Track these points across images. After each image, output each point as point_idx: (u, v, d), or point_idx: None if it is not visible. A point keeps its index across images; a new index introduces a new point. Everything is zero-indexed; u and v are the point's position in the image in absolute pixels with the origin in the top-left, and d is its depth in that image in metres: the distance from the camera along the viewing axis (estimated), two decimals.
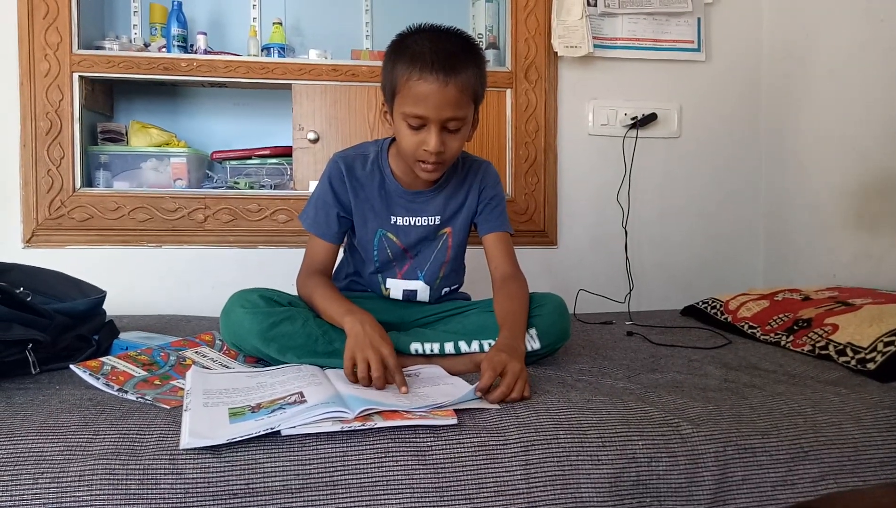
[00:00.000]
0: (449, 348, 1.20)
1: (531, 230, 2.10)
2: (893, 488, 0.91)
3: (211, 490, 0.80)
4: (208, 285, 1.97)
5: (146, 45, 2.05)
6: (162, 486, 0.80)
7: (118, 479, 0.79)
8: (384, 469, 0.85)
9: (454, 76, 1.13)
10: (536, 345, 1.20)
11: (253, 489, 0.81)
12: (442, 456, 0.87)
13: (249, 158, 2.09)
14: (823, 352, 1.30)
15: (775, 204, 2.18)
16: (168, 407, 0.95)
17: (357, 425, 0.86)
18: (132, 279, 1.93)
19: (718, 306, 1.73)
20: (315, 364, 1.13)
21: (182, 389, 1.03)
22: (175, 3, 2.00)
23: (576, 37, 2.05)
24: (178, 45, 1.99)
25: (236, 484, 0.81)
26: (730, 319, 1.64)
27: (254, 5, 2.19)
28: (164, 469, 0.81)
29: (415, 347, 1.20)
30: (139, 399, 0.99)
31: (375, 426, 0.87)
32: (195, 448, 0.82)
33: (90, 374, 1.05)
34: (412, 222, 1.32)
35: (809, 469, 0.93)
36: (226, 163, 2.10)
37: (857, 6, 1.80)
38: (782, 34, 2.14)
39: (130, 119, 2.07)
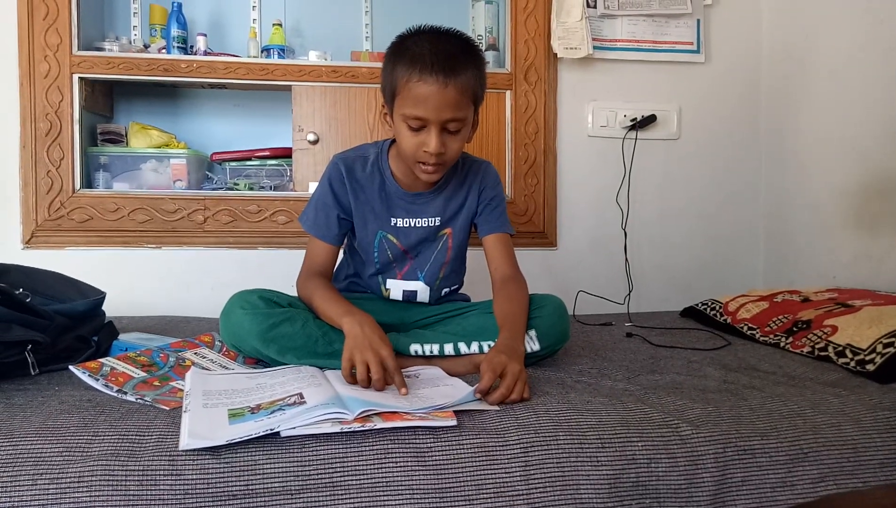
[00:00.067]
0: (448, 349, 1.20)
1: (531, 232, 2.10)
2: (893, 489, 0.91)
3: (210, 491, 0.80)
4: (208, 287, 1.97)
5: (146, 47, 2.05)
6: (161, 487, 0.80)
7: (117, 480, 0.79)
8: (384, 470, 0.85)
9: (454, 77, 1.14)
10: (536, 346, 1.20)
11: (252, 490, 0.81)
12: (441, 458, 0.87)
13: (249, 159, 2.10)
14: (823, 353, 1.30)
15: (775, 205, 2.18)
16: (167, 408, 0.95)
17: (357, 426, 0.86)
18: (132, 280, 1.93)
19: (718, 308, 1.73)
20: (315, 365, 1.13)
21: (181, 390, 1.03)
22: (175, 4, 2.00)
23: (575, 38, 2.05)
24: (178, 47, 2.00)
25: (236, 486, 0.81)
26: (729, 320, 1.64)
27: (253, 7, 2.19)
28: (164, 470, 0.80)
29: (414, 348, 1.20)
30: (138, 400, 0.99)
31: (375, 428, 0.87)
32: (194, 450, 0.82)
33: (89, 375, 1.04)
34: (412, 224, 1.32)
35: (809, 471, 0.93)
36: (225, 164, 2.10)
37: (857, 7, 1.80)
38: (782, 35, 2.14)
39: (130, 120, 2.07)
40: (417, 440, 0.88)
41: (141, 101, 2.17)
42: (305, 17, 2.24)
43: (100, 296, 1.29)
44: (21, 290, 1.17)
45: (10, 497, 0.77)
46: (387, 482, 0.84)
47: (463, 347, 1.20)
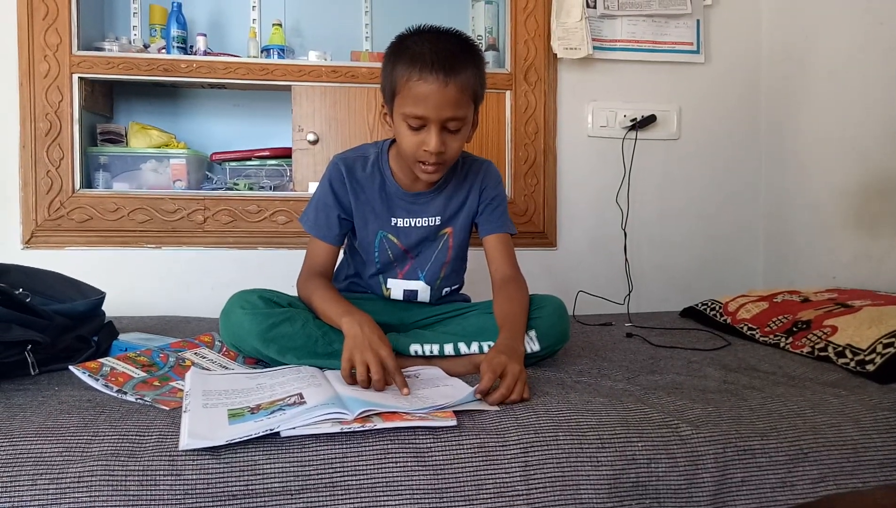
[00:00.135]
0: (448, 349, 1.20)
1: (531, 232, 2.10)
2: (893, 489, 0.91)
3: (210, 491, 0.80)
4: (208, 287, 1.97)
5: (146, 47, 2.05)
6: (161, 487, 0.79)
7: (117, 480, 0.79)
8: (384, 470, 0.85)
9: (454, 76, 1.14)
10: (536, 347, 1.20)
11: (252, 490, 0.81)
12: (441, 458, 0.87)
13: (249, 159, 2.10)
14: (823, 354, 1.30)
15: (775, 205, 2.18)
16: (167, 408, 0.95)
17: (356, 426, 0.86)
18: (131, 280, 1.93)
19: (718, 308, 1.73)
20: (315, 365, 1.13)
21: (181, 390, 1.02)
22: (175, 4, 2.00)
23: (575, 39, 2.05)
24: (178, 47, 2.00)
25: (236, 486, 0.81)
26: (729, 320, 1.65)
27: (253, 7, 2.19)
28: (164, 470, 0.80)
29: (414, 348, 1.20)
30: (138, 401, 0.99)
31: (375, 428, 0.87)
32: (194, 450, 0.82)
33: (89, 375, 1.04)
34: (413, 223, 1.32)
35: (809, 471, 0.93)
36: (225, 164, 2.10)
37: (857, 7, 1.80)
38: (781, 36, 2.14)
39: (130, 120, 2.07)
40: (417, 441, 0.88)
41: (141, 101, 2.17)
42: (305, 17, 2.24)
43: (100, 296, 1.29)
44: (21, 290, 1.17)
45: (10, 497, 0.77)
46: (387, 482, 0.84)
47: (463, 347, 1.20)
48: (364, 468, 0.84)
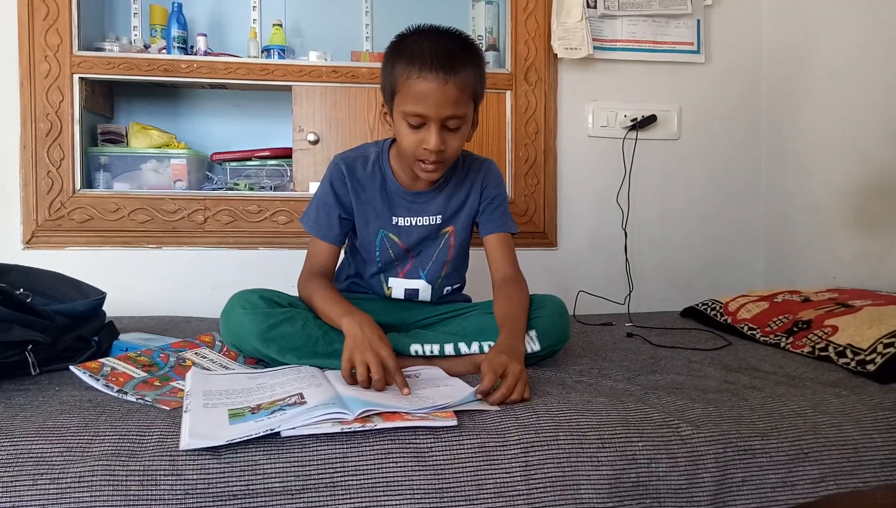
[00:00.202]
0: (449, 349, 1.20)
1: (531, 232, 2.10)
2: (893, 489, 0.91)
3: (211, 491, 0.80)
4: (208, 287, 1.97)
5: (146, 47, 2.05)
6: (162, 487, 0.80)
7: (118, 480, 0.79)
8: (384, 470, 0.85)
9: (454, 74, 1.14)
10: (536, 347, 1.20)
11: (253, 490, 0.81)
12: (442, 458, 0.87)
13: (249, 159, 2.10)
14: (823, 354, 1.30)
15: (775, 205, 2.18)
16: (168, 408, 0.95)
17: (357, 426, 0.86)
18: (132, 281, 1.93)
19: (718, 308, 1.73)
20: (315, 365, 1.13)
21: (182, 390, 1.03)
22: (175, 4, 2.00)
23: (575, 39, 2.05)
24: (179, 47, 2.00)
25: (236, 486, 0.81)
26: (729, 320, 1.64)
27: (254, 7, 2.19)
28: (164, 470, 0.81)
29: (414, 348, 1.20)
30: (139, 401, 0.99)
31: (375, 428, 0.87)
32: (195, 449, 0.82)
33: (90, 375, 1.05)
34: (413, 222, 1.32)
35: (809, 471, 0.93)
36: (226, 164, 2.10)
37: (857, 7, 1.80)
38: (782, 36, 2.14)
39: (130, 120, 2.07)
40: (417, 440, 0.88)
41: (141, 101, 2.18)
42: (305, 17, 2.24)
43: (100, 296, 1.30)
44: (21, 290, 1.17)
45: (10, 497, 0.77)
46: (387, 482, 0.84)
47: (463, 347, 1.20)
48: (364, 468, 0.85)
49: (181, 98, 2.20)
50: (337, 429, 0.86)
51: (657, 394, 1.06)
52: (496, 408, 0.97)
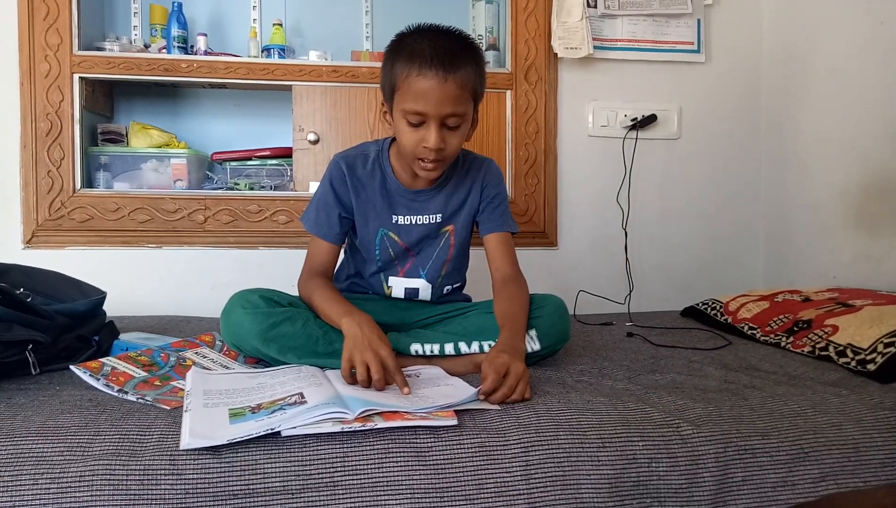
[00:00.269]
0: (449, 349, 1.20)
1: (531, 231, 2.10)
2: (894, 489, 0.91)
3: (211, 490, 0.80)
4: (208, 286, 1.97)
5: (146, 47, 2.05)
6: (162, 487, 0.80)
7: (118, 480, 0.79)
8: (384, 469, 0.85)
9: (453, 72, 1.14)
10: (536, 346, 1.20)
11: (253, 489, 0.81)
12: (442, 457, 0.87)
13: (249, 159, 2.10)
14: (823, 353, 1.30)
15: (775, 205, 2.18)
16: (168, 408, 0.95)
17: (357, 425, 0.86)
18: (132, 280, 1.93)
19: (718, 308, 1.73)
20: (315, 365, 1.13)
21: (182, 390, 1.03)
22: (175, 4, 2.00)
23: (576, 38, 2.05)
24: (179, 47, 2.00)
25: (236, 485, 0.81)
26: (730, 320, 1.64)
27: (254, 6, 2.19)
28: (165, 469, 0.81)
29: (415, 348, 1.20)
30: (139, 400, 0.99)
31: (376, 427, 0.87)
32: (195, 449, 0.82)
33: (90, 375, 1.05)
34: (414, 221, 1.32)
35: (810, 470, 0.93)
36: (226, 164, 2.10)
37: (857, 7, 1.80)
38: (782, 35, 2.14)
39: (131, 120, 2.07)
40: (417, 440, 0.88)
41: (141, 101, 2.18)
42: (306, 16, 2.24)
43: (100, 296, 1.30)
44: (22, 290, 1.17)
45: (10, 496, 0.77)
46: (387, 481, 0.84)
47: (463, 346, 1.20)
48: (365, 467, 0.85)
49: (181, 98, 2.20)
50: (337, 429, 0.86)
51: (657, 394, 1.06)
52: (496, 407, 0.97)
